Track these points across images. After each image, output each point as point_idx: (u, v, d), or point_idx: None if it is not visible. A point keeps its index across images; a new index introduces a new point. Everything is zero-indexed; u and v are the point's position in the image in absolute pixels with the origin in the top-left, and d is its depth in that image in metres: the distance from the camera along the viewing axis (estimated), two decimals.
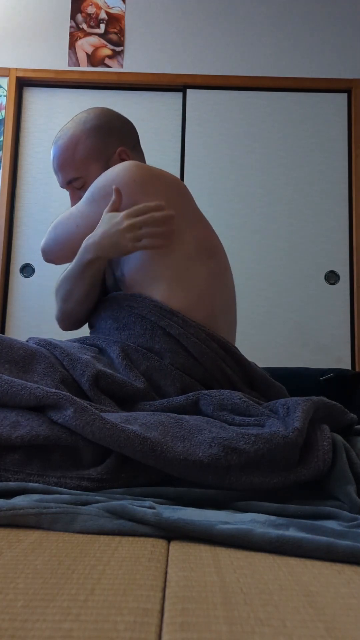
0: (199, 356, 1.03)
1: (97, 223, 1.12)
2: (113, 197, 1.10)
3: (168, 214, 1.06)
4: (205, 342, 1.04)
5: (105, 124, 1.25)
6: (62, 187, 1.29)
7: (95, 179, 1.18)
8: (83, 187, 1.24)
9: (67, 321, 1.21)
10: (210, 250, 1.16)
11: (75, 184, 1.24)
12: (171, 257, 1.11)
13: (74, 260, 1.12)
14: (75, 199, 1.26)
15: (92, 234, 1.11)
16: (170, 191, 1.15)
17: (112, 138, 1.24)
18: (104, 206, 1.12)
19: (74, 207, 1.21)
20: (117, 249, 1.07)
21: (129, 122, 1.31)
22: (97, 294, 1.18)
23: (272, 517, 0.63)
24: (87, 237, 1.11)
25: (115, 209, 1.10)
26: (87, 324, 1.24)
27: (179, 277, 1.10)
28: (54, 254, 1.24)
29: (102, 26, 2.97)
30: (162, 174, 1.17)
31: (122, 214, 1.07)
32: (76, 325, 1.23)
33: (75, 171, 1.23)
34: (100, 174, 1.18)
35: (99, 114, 1.27)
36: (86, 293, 1.15)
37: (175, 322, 1.04)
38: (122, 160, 1.24)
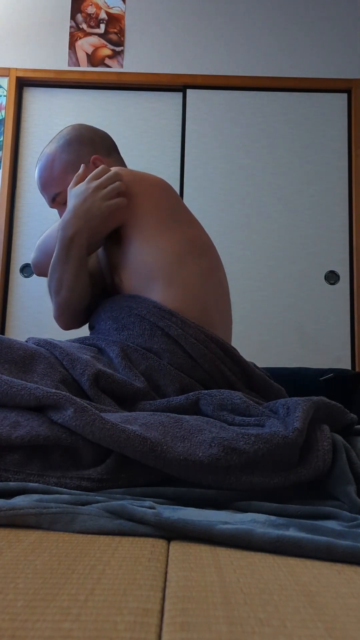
0: (198, 357, 1.03)
1: None
2: (79, 172, 1.17)
3: (116, 171, 1.15)
4: (204, 343, 1.04)
5: (76, 137, 1.29)
6: (50, 207, 1.33)
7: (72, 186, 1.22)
8: (66, 202, 1.26)
9: (65, 316, 1.19)
10: (201, 248, 1.17)
11: (58, 200, 1.28)
12: (164, 260, 1.11)
13: (56, 246, 1.13)
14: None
15: (64, 213, 1.14)
16: (156, 191, 1.16)
17: (84, 149, 1.28)
18: None
19: (61, 219, 1.22)
20: (93, 213, 1.11)
21: (102, 131, 1.34)
22: (87, 278, 1.17)
23: (272, 517, 0.63)
24: (61, 218, 1.14)
25: (79, 182, 1.16)
26: (87, 325, 1.24)
27: (172, 277, 1.11)
28: (45, 266, 1.24)
29: (102, 26, 2.97)
30: (145, 176, 1.19)
31: (84, 181, 1.14)
32: (75, 320, 1.21)
33: (56, 187, 1.27)
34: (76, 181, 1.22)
35: (70, 129, 1.31)
36: (75, 275, 1.13)
37: (174, 323, 1.04)
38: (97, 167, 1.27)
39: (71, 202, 1.13)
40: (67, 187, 1.26)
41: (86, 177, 1.16)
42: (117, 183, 1.13)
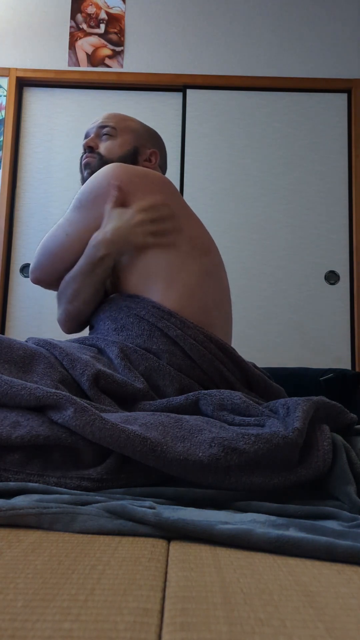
0: (197, 358, 1.03)
1: (87, 229, 1.13)
2: (115, 193, 1.12)
3: (172, 211, 1.12)
4: (203, 344, 1.04)
5: (153, 131, 1.36)
6: (88, 134, 1.32)
7: (122, 143, 1.27)
8: (110, 138, 1.29)
9: (71, 323, 1.20)
10: (202, 248, 1.17)
11: (105, 130, 1.30)
12: (164, 257, 1.11)
13: (82, 259, 1.12)
14: (93, 143, 1.29)
15: (100, 230, 1.12)
16: (159, 189, 1.16)
17: (152, 141, 1.34)
18: (92, 211, 1.14)
19: (61, 218, 1.20)
20: (128, 243, 1.10)
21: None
22: (103, 294, 1.18)
23: (272, 517, 0.63)
24: (94, 235, 1.11)
25: (120, 204, 1.12)
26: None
27: (173, 277, 1.10)
28: (45, 269, 1.19)
29: (102, 26, 2.97)
30: (149, 173, 1.19)
31: (132, 209, 1.11)
32: (80, 327, 1.22)
33: (116, 124, 1.30)
34: (128, 145, 1.27)
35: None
36: (94, 292, 1.14)
37: (173, 324, 1.04)
38: (149, 159, 1.31)
39: (112, 222, 1.11)
40: (121, 134, 1.28)
41: (121, 196, 1.12)
42: (168, 223, 1.12)
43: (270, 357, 2.65)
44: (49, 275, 1.19)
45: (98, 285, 1.14)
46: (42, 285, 1.22)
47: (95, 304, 1.17)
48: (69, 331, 1.22)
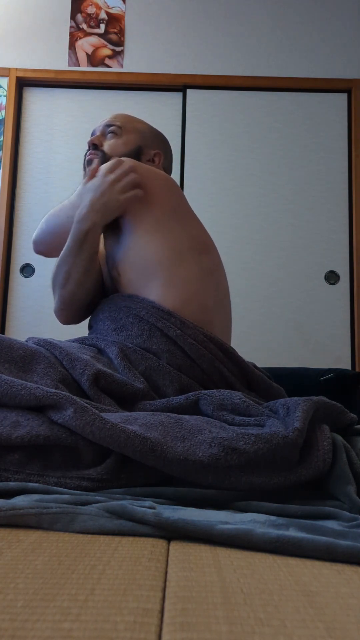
0: (196, 358, 1.03)
1: None
2: (92, 165, 1.18)
3: (132, 164, 1.16)
4: (203, 344, 1.04)
5: (162, 135, 1.37)
6: (94, 132, 1.34)
7: (126, 142, 1.28)
8: (115, 137, 1.30)
9: (68, 310, 1.19)
10: (201, 247, 1.17)
11: (111, 129, 1.31)
12: (164, 255, 1.12)
13: (69, 239, 1.14)
14: (97, 140, 1.30)
15: (81, 206, 1.15)
16: (162, 187, 1.17)
17: (158, 143, 1.35)
18: None
19: (66, 200, 1.25)
20: (110, 206, 1.13)
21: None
22: (95, 275, 1.18)
23: (272, 517, 0.63)
24: (77, 212, 1.14)
25: (93, 176, 1.17)
26: (87, 322, 1.23)
27: (171, 276, 1.11)
28: (45, 244, 1.27)
29: (102, 26, 2.97)
30: (153, 170, 1.20)
31: (99, 175, 1.15)
32: (77, 315, 1.21)
33: (122, 124, 1.31)
34: (132, 145, 1.28)
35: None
36: (85, 270, 1.14)
37: (172, 324, 1.04)
38: (153, 160, 1.32)
39: (88, 196, 1.14)
40: (126, 133, 1.29)
41: (95, 173, 1.16)
42: (133, 175, 1.14)
43: (270, 357, 2.65)
44: (50, 250, 1.28)
45: (87, 263, 1.14)
46: (42, 255, 1.33)
47: (89, 284, 1.17)
48: (65, 321, 1.22)
